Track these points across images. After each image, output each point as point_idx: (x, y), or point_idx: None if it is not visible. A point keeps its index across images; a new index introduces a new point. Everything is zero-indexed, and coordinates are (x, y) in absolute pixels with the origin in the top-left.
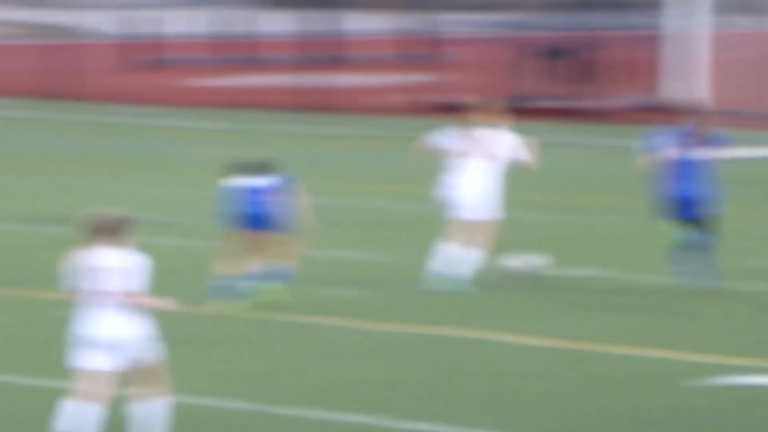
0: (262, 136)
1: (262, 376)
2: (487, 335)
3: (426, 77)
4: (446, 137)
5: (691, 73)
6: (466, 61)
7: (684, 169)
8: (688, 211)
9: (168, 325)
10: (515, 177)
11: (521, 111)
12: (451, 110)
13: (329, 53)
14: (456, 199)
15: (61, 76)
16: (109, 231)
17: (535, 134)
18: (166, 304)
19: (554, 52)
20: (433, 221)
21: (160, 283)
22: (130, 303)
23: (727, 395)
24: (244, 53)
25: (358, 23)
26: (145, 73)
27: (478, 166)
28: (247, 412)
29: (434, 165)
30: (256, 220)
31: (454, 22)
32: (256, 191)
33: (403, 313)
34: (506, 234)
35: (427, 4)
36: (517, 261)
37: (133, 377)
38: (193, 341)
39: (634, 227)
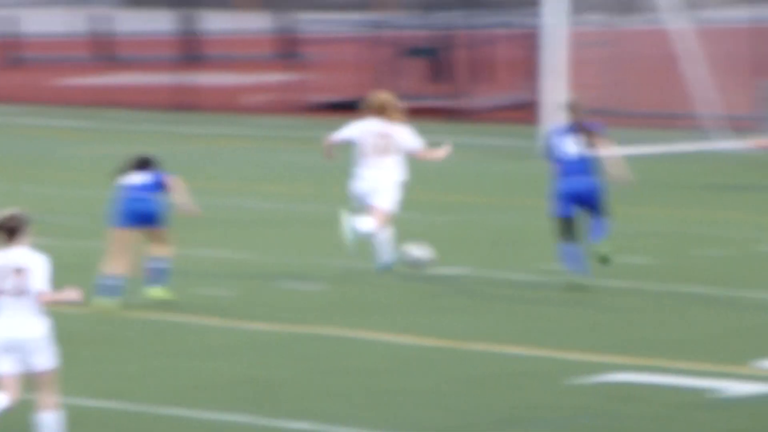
0: (126, 134)
1: (138, 375)
2: (361, 333)
3: (288, 77)
4: (350, 132)
5: (555, 72)
6: (327, 61)
7: (574, 164)
8: (581, 204)
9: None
10: None
11: None
12: (317, 110)
13: (190, 53)
14: (362, 192)
15: None
16: (7, 230)
17: None
18: (73, 294)
19: (417, 51)
20: (306, 221)
21: None
22: (41, 302)
23: (604, 392)
24: (105, 52)
25: (220, 23)
26: (4, 72)
27: (380, 160)
28: (123, 412)
29: (342, 160)
30: (139, 217)
31: (315, 21)
32: (137, 188)
33: (276, 312)
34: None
35: (288, 4)
36: (420, 251)
37: (30, 382)
38: (68, 341)
39: (510, 226)
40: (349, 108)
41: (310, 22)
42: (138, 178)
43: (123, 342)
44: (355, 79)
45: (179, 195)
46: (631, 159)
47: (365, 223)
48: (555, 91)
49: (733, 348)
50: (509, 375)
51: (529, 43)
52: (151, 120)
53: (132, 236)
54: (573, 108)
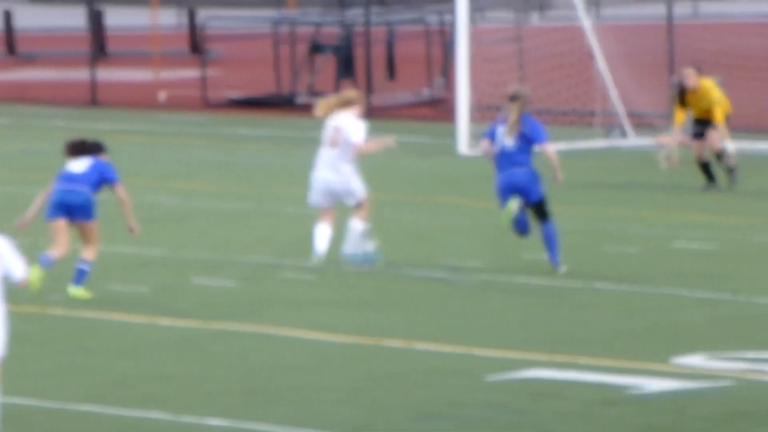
0: (30, 130)
1: (53, 373)
2: (275, 330)
3: (190, 73)
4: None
5: (462, 69)
6: (238, 57)
7: (510, 156)
8: (520, 196)
9: None
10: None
11: (288, 107)
12: (227, 106)
13: (90, 48)
14: (318, 186)
15: None
16: None
17: (308, 130)
18: (24, 272)
19: (320, 48)
20: (218, 217)
21: None
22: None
23: (521, 389)
24: (3, 48)
25: (120, 18)
26: None
27: (330, 153)
28: (39, 409)
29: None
30: (70, 208)
31: (227, 18)
32: (72, 178)
33: (190, 309)
34: (285, 229)
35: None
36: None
37: None
38: None
39: (421, 223)
40: (260, 105)
41: (221, 18)
42: (77, 166)
43: (39, 339)
44: (268, 75)
45: (120, 190)
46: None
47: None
48: (461, 88)
49: (653, 345)
50: (425, 371)
51: (439, 40)
52: (61, 116)
53: (66, 228)
54: (516, 98)
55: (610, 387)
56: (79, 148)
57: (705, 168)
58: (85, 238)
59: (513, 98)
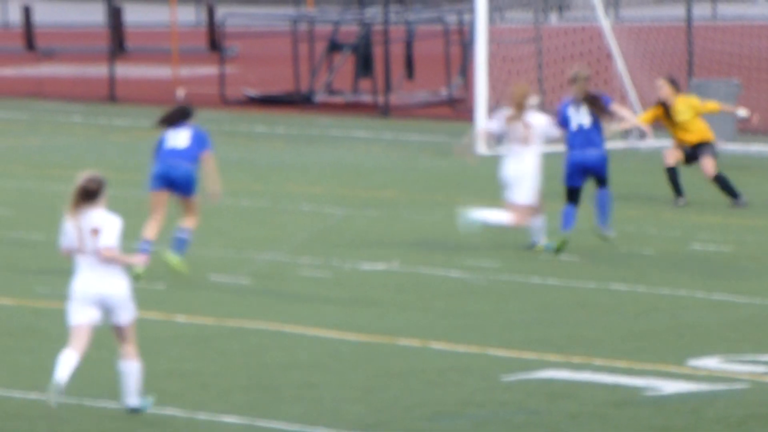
0: (48, 125)
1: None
2: (288, 328)
3: (208, 70)
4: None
5: (474, 68)
6: (257, 55)
7: (586, 134)
8: (588, 174)
9: None
10: (316, 172)
11: (306, 105)
12: (247, 104)
13: (109, 44)
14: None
15: None
16: (87, 193)
17: (325, 128)
18: (137, 259)
19: (337, 46)
20: (230, 214)
21: None
22: (105, 256)
23: (536, 389)
24: (22, 43)
25: (139, 15)
26: None
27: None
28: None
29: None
30: (174, 183)
31: (235, 15)
32: (176, 153)
33: (203, 306)
34: (301, 227)
35: None
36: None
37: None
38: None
39: (437, 222)
40: (277, 103)
41: (240, 15)
42: (179, 140)
43: (55, 335)
44: (286, 73)
45: (210, 162)
46: (561, 156)
47: (500, 216)
48: (480, 88)
49: (669, 347)
50: (440, 371)
51: (458, 39)
52: (79, 112)
53: (166, 199)
54: (578, 80)
55: (625, 388)
56: (178, 118)
57: (672, 176)
58: (186, 210)
59: (572, 81)
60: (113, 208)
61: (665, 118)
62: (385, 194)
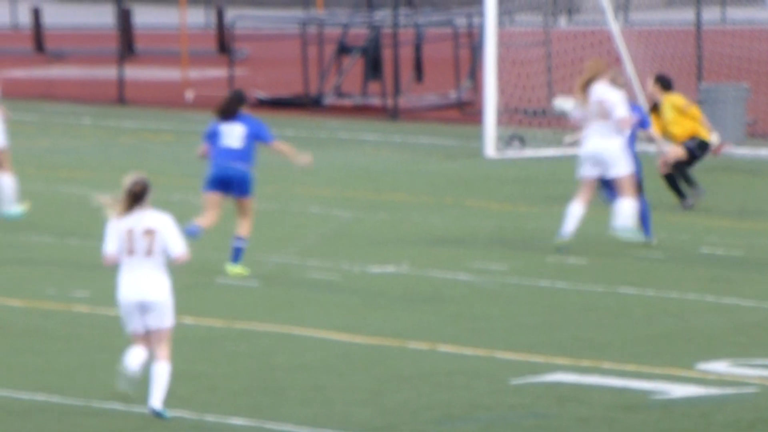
0: (58, 127)
1: (76, 370)
2: (297, 330)
3: (218, 72)
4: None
5: (483, 71)
6: (266, 57)
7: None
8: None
9: None
10: (325, 175)
11: (315, 108)
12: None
13: (118, 46)
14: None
15: None
16: (135, 195)
17: (334, 131)
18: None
19: (346, 49)
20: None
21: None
22: (181, 262)
23: (544, 393)
24: (32, 45)
25: (148, 17)
26: None
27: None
28: (63, 406)
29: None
30: (229, 185)
31: (244, 17)
32: (230, 154)
33: (212, 308)
34: (310, 229)
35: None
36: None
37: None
38: (5, 332)
39: (445, 225)
40: (286, 105)
41: (249, 18)
42: (232, 139)
43: (64, 336)
44: (295, 76)
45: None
46: (570, 160)
47: (630, 204)
48: (489, 91)
49: (678, 350)
50: (449, 374)
51: (467, 42)
52: (88, 114)
53: (220, 201)
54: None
55: (634, 392)
56: (233, 108)
57: (671, 183)
58: (241, 211)
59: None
60: None
61: (655, 116)
62: (393, 197)
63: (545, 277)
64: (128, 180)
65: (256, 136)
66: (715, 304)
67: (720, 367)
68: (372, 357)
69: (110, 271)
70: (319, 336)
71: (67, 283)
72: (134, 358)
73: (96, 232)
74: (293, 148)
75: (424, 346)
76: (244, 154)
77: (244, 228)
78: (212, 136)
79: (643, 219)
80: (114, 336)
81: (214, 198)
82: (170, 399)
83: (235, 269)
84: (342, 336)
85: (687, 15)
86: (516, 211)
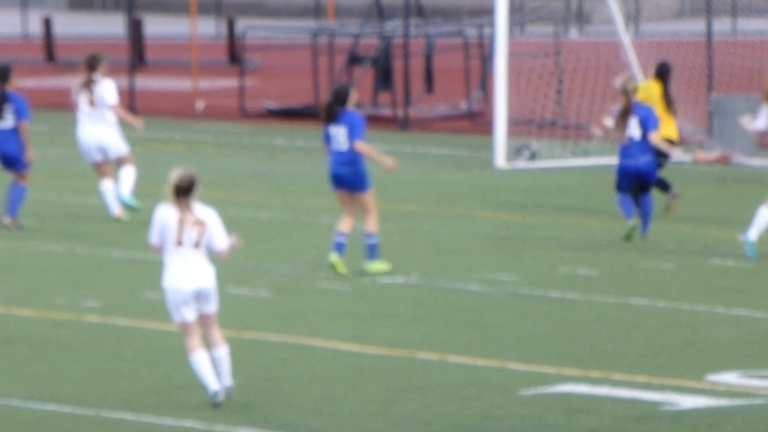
0: (69, 137)
1: (85, 379)
2: (307, 341)
3: (228, 83)
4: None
5: (494, 82)
6: (277, 67)
7: (629, 146)
8: (636, 182)
9: None
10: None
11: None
12: (267, 116)
13: (129, 56)
14: None
15: None
16: (184, 189)
17: None
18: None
19: (357, 59)
20: (249, 226)
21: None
22: (224, 256)
23: (555, 404)
24: (43, 54)
25: (159, 27)
26: None
27: None
28: (72, 415)
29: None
30: (346, 184)
31: (255, 27)
32: (340, 158)
33: (222, 318)
34: (320, 240)
35: (227, 8)
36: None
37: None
38: (14, 341)
39: (456, 236)
40: (297, 115)
41: (260, 28)
42: (339, 141)
43: (74, 346)
44: (306, 86)
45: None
46: (580, 170)
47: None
48: (499, 102)
49: (688, 362)
50: (458, 384)
51: (478, 53)
52: None
53: (347, 197)
54: (624, 91)
55: (644, 403)
56: (335, 109)
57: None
58: (362, 208)
59: (622, 90)
60: (133, 219)
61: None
62: (404, 207)
63: (556, 288)
64: (174, 175)
65: (355, 134)
66: (725, 316)
67: (730, 378)
68: (382, 367)
69: (120, 280)
70: (329, 346)
71: (78, 292)
72: (210, 377)
73: (106, 241)
74: (378, 151)
75: (434, 356)
76: (350, 155)
77: (370, 224)
78: (327, 139)
79: (645, 215)
80: (124, 345)
81: (341, 196)
82: (179, 408)
83: (375, 266)
84: (352, 346)
85: (698, 26)
86: (526, 222)
